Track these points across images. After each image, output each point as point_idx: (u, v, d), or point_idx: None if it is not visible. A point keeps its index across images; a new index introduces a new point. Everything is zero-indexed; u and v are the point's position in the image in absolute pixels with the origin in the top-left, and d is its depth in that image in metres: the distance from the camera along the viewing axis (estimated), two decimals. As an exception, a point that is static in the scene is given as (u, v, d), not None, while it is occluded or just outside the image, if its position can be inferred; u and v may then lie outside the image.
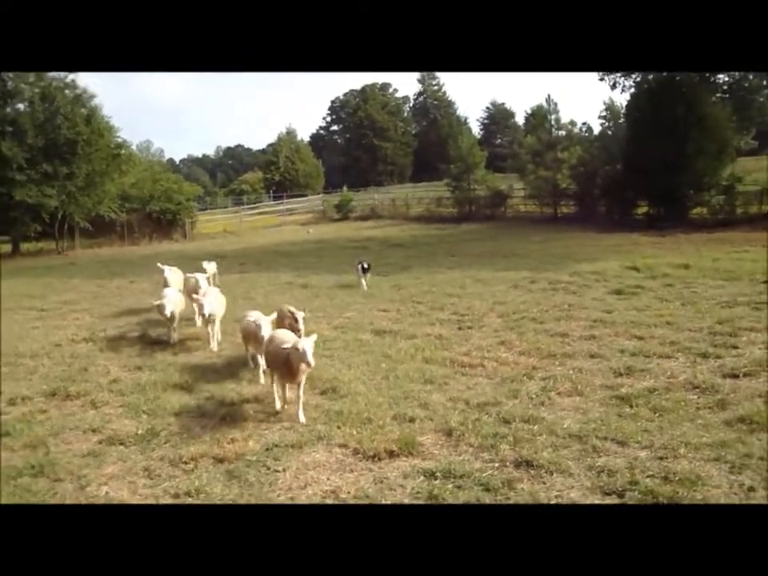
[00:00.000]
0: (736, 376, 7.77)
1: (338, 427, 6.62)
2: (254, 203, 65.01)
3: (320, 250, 26.65)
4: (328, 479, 5.54)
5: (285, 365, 6.87)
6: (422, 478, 5.44)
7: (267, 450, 6.26)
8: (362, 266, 16.12)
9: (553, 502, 4.96)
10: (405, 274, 17.98)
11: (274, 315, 8.81)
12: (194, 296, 10.70)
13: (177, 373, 9.04)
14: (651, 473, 5.31)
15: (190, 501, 5.29)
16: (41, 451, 6.46)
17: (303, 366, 6.66)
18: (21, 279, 21.97)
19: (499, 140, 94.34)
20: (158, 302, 10.76)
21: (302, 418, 6.93)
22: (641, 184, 29.25)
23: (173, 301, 10.88)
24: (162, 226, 40.72)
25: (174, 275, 14.02)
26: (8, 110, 35.67)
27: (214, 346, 10.40)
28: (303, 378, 7.08)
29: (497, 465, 5.63)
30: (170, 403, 7.76)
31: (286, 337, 7.41)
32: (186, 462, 6.02)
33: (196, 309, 11.41)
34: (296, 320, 8.69)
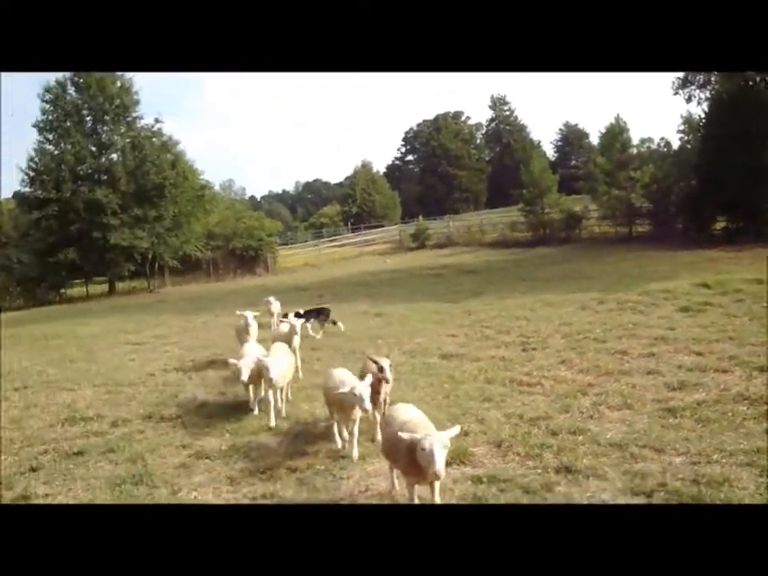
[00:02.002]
0: (791, 388, 7.94)
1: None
2: (333, 236, 66.42)
3: (396, 280, 27.21)
4: (387, 485, 6.21)
5: (409, 458, 5.02)
6: (469, 482, 6.03)
7: (334, 461, 7.00)
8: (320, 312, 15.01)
9: (582, 503, 5.47)
10: (476, 299, 18.39)
11: (369, 379, 6.97)
12: (260, 357, 8.66)
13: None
14: (682, 476, 5.73)
15: (265, 502, 6.07)
16: (140, 464, 7.43)
17: (432, 472, 4.72)
18: (117, 316, 23.63)
19: (574, 161, 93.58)
20: (232, 361, 8.96)
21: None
22: (718, 198, 28.67)
23: (251, 363, 8.77)
24: (245, 261, 42.43)
25: (256, 323, 12.58)
26: (103, 159, 38.36)
27: (272, 420, 8.43)
28: (435, 482, 5.13)
29: (539, 471, 6.17)
30: (251, 424, 8.60)
31: (407, 415, 5.63)
32: (262, 472, 6.82)
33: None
34: (381, 369, 7.34)
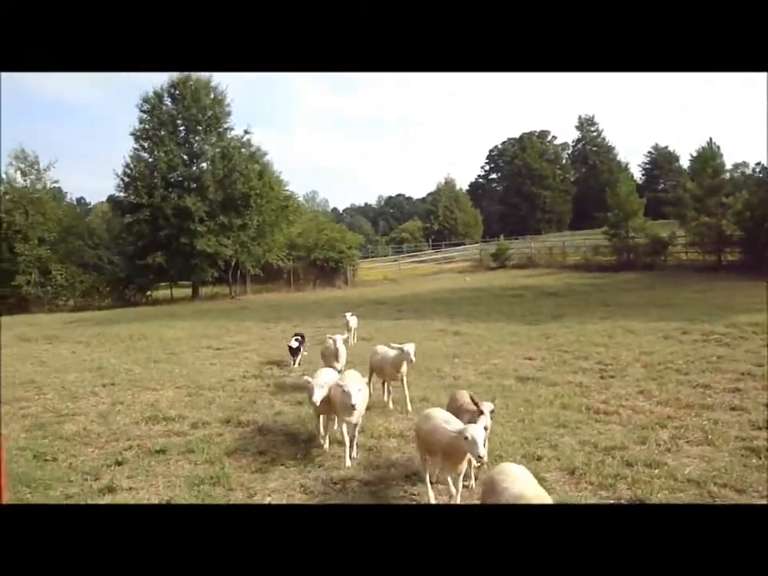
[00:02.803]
0: None
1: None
2: (414, 251, 66.78)
3: (475, 298, 27.16)
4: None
5: None
6: (540, 508, 5.99)
7: (406, 477, 7.06)
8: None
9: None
10: (555, 323, 18.20)
11: (483, 420, 6.06)
12: (339, 382, 7.74)
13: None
14: (763, 519, 5.56)
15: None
16: (218, 466, 7.67)
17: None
18: (200, 321, 24.33)
19: (662, 185, 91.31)
20: (307, 379, 8.22)
21: None
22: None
23: (325, 386, 8.00)
24: (325, 273, 43.11)
25: (344, 348, 11.42)
26: (194, 168, 39.71)
27: (348, 460, 7.57)
28: None
29: (612, 502, 6.08)
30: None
31: (518, 484, 4.64)
32: (335, 483, 6.96)
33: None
34: (481, 413, 6.32)
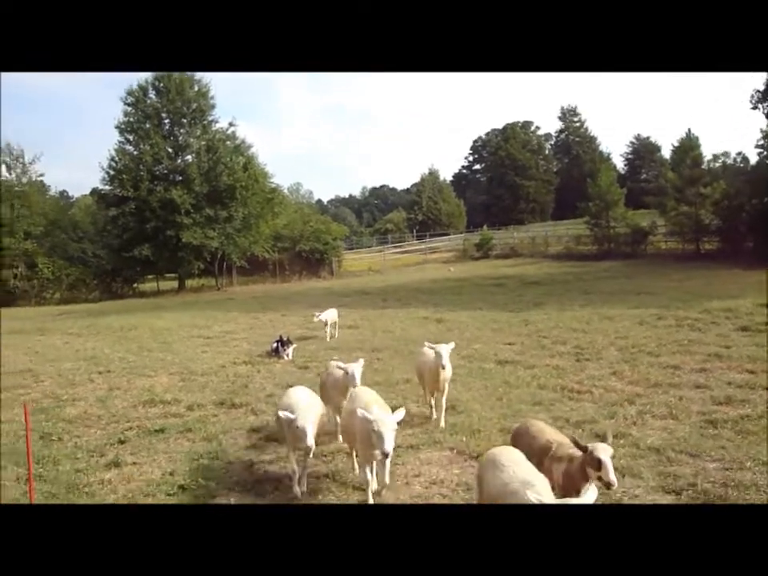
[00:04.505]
0: (839, 409, 8.10)
1: (451, 435, 7.81)
2: (398, 242, 67.14)
3: (459, 288, 27.72)
4: (437, 472, 6.77)
5: None
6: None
7: (391, 448, 7.54)
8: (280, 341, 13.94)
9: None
10: (536, 310, 18.75)
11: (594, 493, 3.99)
12: (367, 416, 5.56)
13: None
14: (712, 479, 6.14)
15: (327, 481, 6.79)
16: (215, 443, 8.21)
17: None
18: (188, 312, 24.81)
19: (644, 175, 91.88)
20: (285, 414, 6.14)
21: None
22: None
23: (317, 420, 6.30)
24: (310, 264, 43.47)
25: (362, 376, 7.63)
26: (179, 161, 39.84)
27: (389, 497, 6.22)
28: None
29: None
30: (316, 413, 9.22)
31: None
32: (325, 455, 7.49)
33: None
34: (598, 464, 4.41)
